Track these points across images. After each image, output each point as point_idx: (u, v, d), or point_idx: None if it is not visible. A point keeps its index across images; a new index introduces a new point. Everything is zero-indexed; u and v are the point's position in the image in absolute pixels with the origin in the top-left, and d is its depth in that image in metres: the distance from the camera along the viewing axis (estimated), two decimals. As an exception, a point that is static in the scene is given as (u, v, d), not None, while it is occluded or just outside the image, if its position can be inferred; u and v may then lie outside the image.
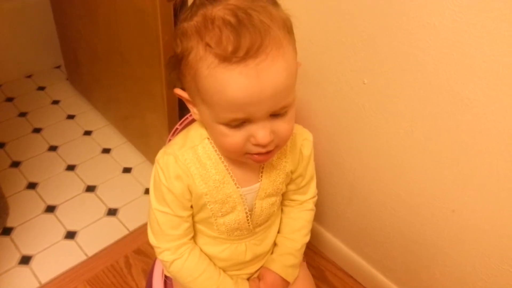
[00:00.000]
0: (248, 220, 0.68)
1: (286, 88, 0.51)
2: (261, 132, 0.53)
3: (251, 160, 0.57)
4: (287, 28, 0.52)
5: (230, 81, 0.48)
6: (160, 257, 0.68)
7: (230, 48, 0.47)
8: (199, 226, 0.69)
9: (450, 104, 0.71)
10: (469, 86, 0.67)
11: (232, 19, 0.48)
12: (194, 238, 0.70)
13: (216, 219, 0.66)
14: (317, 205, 0.80)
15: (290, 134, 0.58)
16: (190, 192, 0.63)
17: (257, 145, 0.54)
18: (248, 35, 0.47)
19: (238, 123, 0.53)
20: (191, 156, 0.62)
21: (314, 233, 1.06)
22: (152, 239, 0.67)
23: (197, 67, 0.50)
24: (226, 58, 0.47)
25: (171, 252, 0.66)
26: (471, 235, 0.81)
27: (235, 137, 0.54)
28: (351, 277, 1.12)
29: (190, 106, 0.60)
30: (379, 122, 0.85)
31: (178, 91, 0.58)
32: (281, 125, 0.55)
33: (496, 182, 0.72)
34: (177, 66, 0.55)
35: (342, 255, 1.13)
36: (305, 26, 0.86)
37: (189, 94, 0.57)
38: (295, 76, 0.54)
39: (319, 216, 1.11)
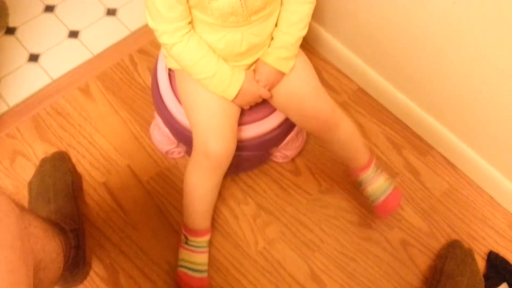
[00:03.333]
0: (242, 5, 0.68)
1: None
2: None
3: None
4: None
5: None
6: (160, 40, 0.72)
7: None
8: (194, 12, 0.71)
9: None
10: None
11: None
12: (192, 26, 0.73)
13: (209, 3, 0.68)
14: (317, 4, 0.78)
15: None
16: None
17: None
18: None
19: None
20: None
21: (313, 34, 1.19)
22: (150, 22, 0.71)
23: None
24: None
25: (170, 35, 0.70)
26: (469, 30, 0.82)
27: None
28: (345, 75, 1.19)
29: None
30: None
31: None
32: None
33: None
34: None
35: (339, 54, 1.17)
36: None
37: None
38: None
39: (319, 15, 1.14)
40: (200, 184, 0.80)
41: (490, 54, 0.81)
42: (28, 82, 1.13)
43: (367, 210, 1.00)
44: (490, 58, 0.82)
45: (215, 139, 0.75)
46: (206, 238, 0.86)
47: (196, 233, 0.85)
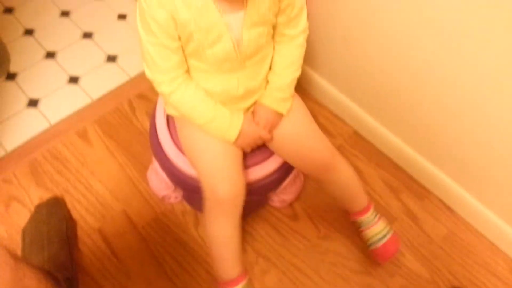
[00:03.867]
0: (236, 50, 0.71)
1: None
2: None
3: None
4: None
5: None
6: (158, 89, 0.75)
7: None
8: (190, 61, 0.74)
9: None
10: None
11: None
12: (188, 74, 0.75)
13: (204, 50, 0.70)
14: (311, 50, 0.81)
15: None
16: (174, 20, 0.66)
17: None
18: None
19: None
20: None
21: (307, 78, 1.23)
22: (147, 73, 0.74)
23: None
24: None
25: (167, 85, 0.73)
26: (463, 75, 0.84)
27: None
28: (340, 119, 1.23)
29: None
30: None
31: None
32: None
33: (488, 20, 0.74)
34: None
35: (333, 98, 1.21)
36: None
37: None
38: None
39: (312, 61, 1.18)
40: (222, 229, 0.78)
41: (483, 97, 0.84)
42: (26, 127, 1.15)
43: (367, 257, 0.99)
44: (484, 101, 0.85)
45: (222, 182, 0.76)
46: (245, 281, 0.81)
47: (235, 281, 0.80)
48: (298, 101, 0.85)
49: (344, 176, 0.84)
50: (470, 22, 0.76)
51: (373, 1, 0.90)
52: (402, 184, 1.11)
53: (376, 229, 0.88)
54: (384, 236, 0.87)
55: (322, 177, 0.84)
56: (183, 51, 0.71)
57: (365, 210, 0.88)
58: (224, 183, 0.76)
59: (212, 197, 0.77)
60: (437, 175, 1.06)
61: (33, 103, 1.19)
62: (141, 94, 1.23)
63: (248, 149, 0.82)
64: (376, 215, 0.89)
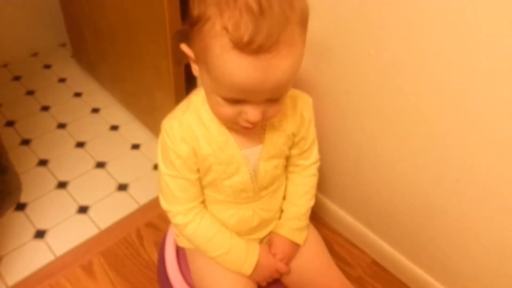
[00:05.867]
0: (253, 181, 0.77)
1: (289, 81, 0.60)
2: (253, 112, 0.62)
3: (238, 127, 0.67)
4: (304, 21, 0.59)
5: (239, 69, 0.55)
6: (173, 220, 0.78)
7: (246, 38, 0.52)
8: (207, 192, 0.78)
9: (456, 73, 0.78)
10: (474, 56, 0.74)
11: (255, 6, 0.52)
12: (204, 205, 0.79)
13: (222, 181, 0.75)
14: (323, 177, 0.84)
15: (279, 113, 0.67)
16: (196, 154, 0.72)
17: (247, 121, 0.63)
18: (266, 28, 0.52)
19: (235, 101, 0.61)
20: (195, 119, 0.72)
21: (320, 205, 1.26)
22: (163, 204, 0.77)
23: (210, 42, 0.56)
24: (240, 47, 0.53)
25: (183, 215, 0.76)
26: (475, 205, 0.89)
27: (229, 109, 0.63)
28: (358, 247, 1.25)
29: (191, 63, 0.67)
30: (384, 92, 0.93)
31: (185, 48, 0.66)
32: (273, 107, 0.64)
33: (499, 153, 0.79)
34: (190, 26, 0.61)
35: (348, 226, 1.25)
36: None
37: (195, 56, 0.63)
38: (299, 68, 0.61)
39: (324, 188, 1.23)
40: None
41: (501, 226, 0.87)
42: (30, 259, 1.17)
43: None
44: (503, 230, 0.87)
45: None
46: None
47: None
48: (313, 233, 0.89)
49: None
50: (484, 148, 0.82)
51: (385, 127, 0.98)
52: (431, 320, 1.08)
53: None
54: None
55: None
56: (200, 182, 0.77)
57: None
58: None
59: None
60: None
61: (40, 234, 1.24)
62: (150, 223, 1.28)
63: (264, 283, 0.83)
64: None
